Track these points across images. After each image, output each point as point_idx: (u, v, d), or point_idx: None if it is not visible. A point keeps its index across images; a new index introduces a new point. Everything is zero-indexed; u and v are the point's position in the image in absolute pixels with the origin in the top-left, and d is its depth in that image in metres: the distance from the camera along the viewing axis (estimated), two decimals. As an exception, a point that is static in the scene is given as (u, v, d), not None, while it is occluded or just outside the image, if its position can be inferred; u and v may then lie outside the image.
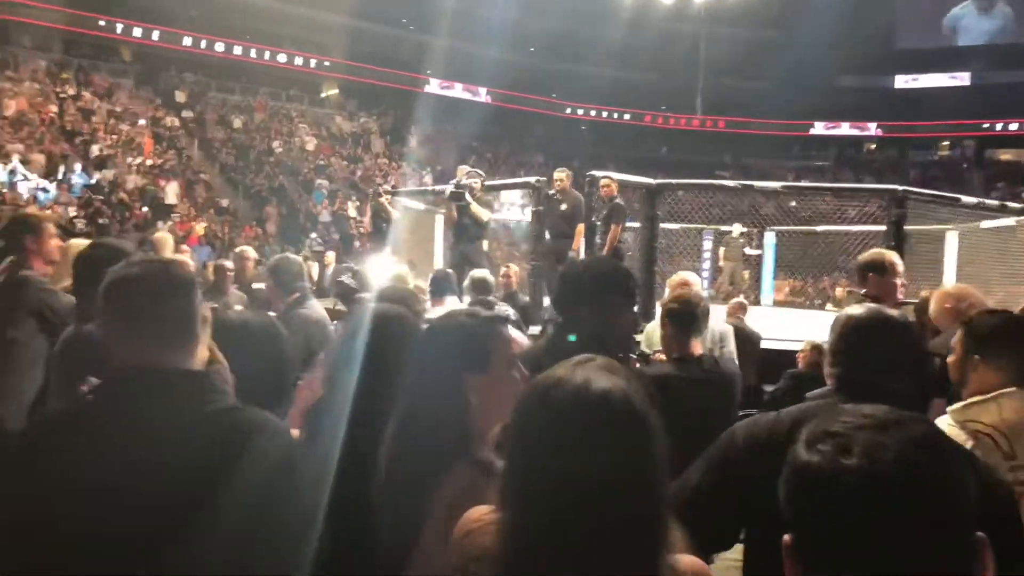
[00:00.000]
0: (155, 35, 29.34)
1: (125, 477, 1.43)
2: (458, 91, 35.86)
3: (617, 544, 1.15)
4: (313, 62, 32.86)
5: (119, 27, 28.62)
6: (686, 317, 3.41)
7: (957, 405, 2.55)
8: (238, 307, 6.54)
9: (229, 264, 7.38)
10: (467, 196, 8.76)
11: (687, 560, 1.32)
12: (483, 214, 8.82)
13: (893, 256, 4.54)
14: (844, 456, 0.94)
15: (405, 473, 1.66)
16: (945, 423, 2.46)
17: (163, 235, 8.29)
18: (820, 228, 14.77)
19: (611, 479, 1.14)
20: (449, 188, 9.11)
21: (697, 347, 3.42)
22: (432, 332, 1.85)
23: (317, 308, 4.46)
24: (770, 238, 15.93)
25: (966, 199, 11.41)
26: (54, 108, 24.16)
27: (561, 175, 9.25)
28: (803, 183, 21.18)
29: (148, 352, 1.60)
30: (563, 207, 9.05)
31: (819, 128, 39.30)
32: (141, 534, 1.41)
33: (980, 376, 2.56)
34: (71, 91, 25.35)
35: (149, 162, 23.79)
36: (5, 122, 22.41)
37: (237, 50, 30.94)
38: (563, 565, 1.15)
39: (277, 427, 1.64)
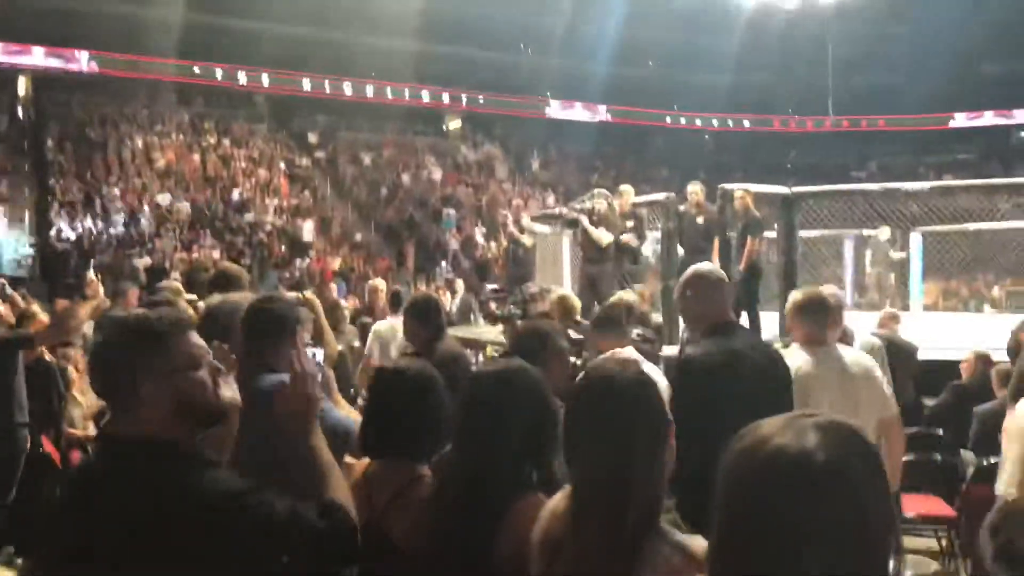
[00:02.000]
0: (285, 81, 30.80)
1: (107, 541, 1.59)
2: (578, 111, 35.91)
3: None
4: (435, 95, 33.65)
5: (250, 77, 30.22)
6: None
7: None
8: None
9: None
10: (583, 219, 8.63)
11: (700, 541, 1.39)
12: (603, 237, 8.54)
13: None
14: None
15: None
16: None
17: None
18: (973, 226, 13.83)
19: (819, 543, 1.01)
20: (571, 211, 9.07)
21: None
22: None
23: (454, 344, 4.55)
24: (916, 239, 15.06)
25: None
26: (197, 158, 25.72)
27: (696, 188, 9.04)
28: (953, 181, 19.95)
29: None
30: (699, 221, 8.81)
31: (960, 120, 37.06)
32: None
33: None
34: (212, 140, 26.92)
35: (286, 203, 24.93)
36: (155, 174, 24.01)
37: (364, 90, 32.08)
38: None
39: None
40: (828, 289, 5.24)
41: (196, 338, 1.78)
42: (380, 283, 8.33)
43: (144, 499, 1.58)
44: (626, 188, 9.33)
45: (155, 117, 27.38)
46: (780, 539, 1.01)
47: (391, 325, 6.55)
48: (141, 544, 1.56)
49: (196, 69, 28.70)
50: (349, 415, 2.90)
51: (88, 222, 20.95)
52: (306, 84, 31.12)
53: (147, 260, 19.74)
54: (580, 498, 1.63)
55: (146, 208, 22.18)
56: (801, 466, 1.02)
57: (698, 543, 1.56)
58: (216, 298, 3.59)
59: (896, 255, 14.56)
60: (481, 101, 34.15)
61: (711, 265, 3.90)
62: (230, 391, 1.97)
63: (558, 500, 1.75)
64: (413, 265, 23.38)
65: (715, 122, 38.15)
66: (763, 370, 3.16)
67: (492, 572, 1.86)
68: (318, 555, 1.66)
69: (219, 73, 29.35)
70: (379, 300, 7.72)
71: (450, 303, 13.82)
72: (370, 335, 6.76)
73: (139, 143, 25.30)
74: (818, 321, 3.77)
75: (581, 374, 1.80)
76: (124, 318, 1.81)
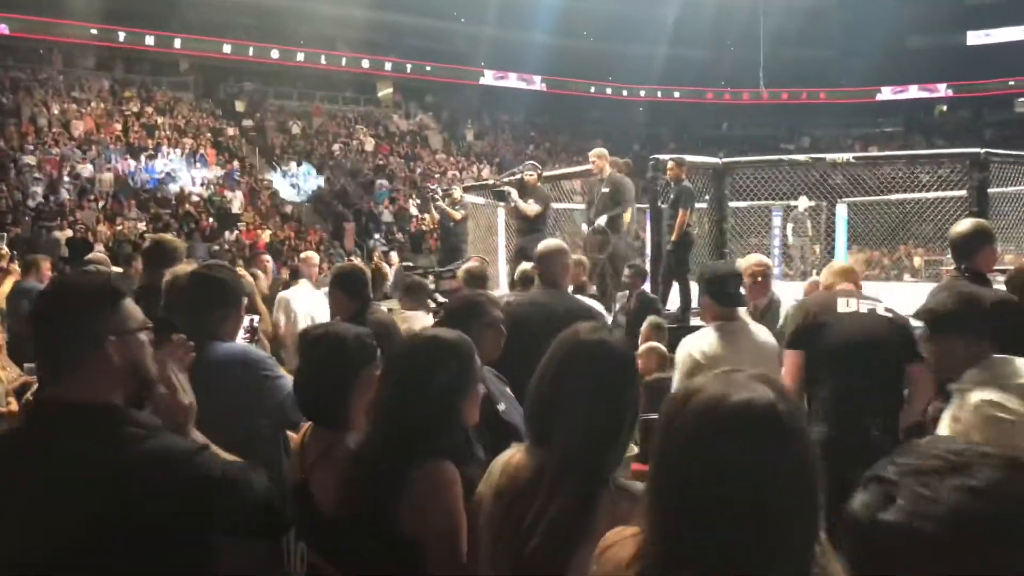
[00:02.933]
0: (210, 47, 29.92)
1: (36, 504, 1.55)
2: (512, 80, 35.69)
3: (759, 552, 1.11)
4: (366, 62, 33.04)
5: (176, 42, 29.24)
6: None
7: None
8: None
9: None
10: (512, 192, 8.61)
11: (642, 487, 1.42)
12: (530, 209, 8.50)
13: (988, 224, 4.28)
14: (883, 511, 0.86)
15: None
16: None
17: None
18: (895, 197, 14.20)
19: (753, 486, 1.11)
20: (499, 183, 9.03)
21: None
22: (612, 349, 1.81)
23: (384, 314, 4.50)
24: (841, 210, 15.38)
25: (1054, 157, 10.81)
26: (119, 126, 24.85)
27: (594, 156, 8.75)
28: (878, 152, 20.45)
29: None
30: (605, 190, 8.54)
31: (886, 93, 38.01)
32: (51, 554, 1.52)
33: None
34: (135, 108, 26.02)
35: (212, 173, 24.29)
36: (75, 143, 23.11)
37: (292, 56, 31.32)
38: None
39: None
40: (755, 258, 5.31)
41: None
42: (313, 255, 8.10)
43: (95, 462, 1.57)
44: (601, 151, 9.06)
45: (72, 83, 26.32)
46: (741, 485, 1.10)
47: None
48: (90, 507, 1.53)
49: (119, 34, 27.63)
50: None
51: (4, 192, 20.07)
52: (230, 49, 30.25)
53: (68, 232, 19.03)
54: (561, 457, 1.67)
55: (66, 178, 21.36)
56: (770, 416, 1.12)
57: (641, 487, 1.63)
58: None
59: (811, 227, 14.90)
60: (408, 69, 33.69)
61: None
62: (189, 395, 1.87)
63: (513, 453, 1.81)
64: (353, 241, 23.00)
65: (647, 93, 38.34)
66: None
67: (395, 535, 1.88)
68: (260, 516, 1.73)
69: (141, 38, 28.31)
70: (312, 272, 7.48)
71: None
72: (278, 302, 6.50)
73: (55, 110, 24.30)
74: (725, 298, 3.73)
75: (567, 334, 1.83)
76: (80, 280, 1.81)
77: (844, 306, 3.60)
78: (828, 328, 3.54)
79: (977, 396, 2.58)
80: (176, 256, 4.23)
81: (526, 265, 5.79)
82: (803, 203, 14.45)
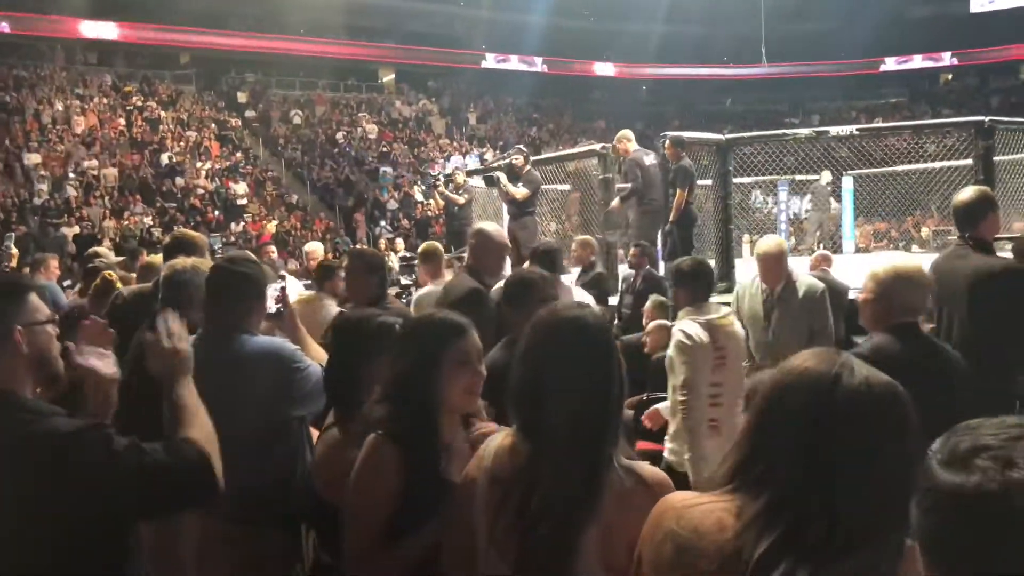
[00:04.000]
0: (211, 38, 29.85)
1: None
2: (514, 63, 35.47)
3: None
4: (368, 50, 32.91)
5: (177, 34, 29.16)
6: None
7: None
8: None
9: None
10: (501, 177, 8.70)
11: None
12: (518, 192, 8.71)
13: (991, 192, 4.28)
14: (1011, 470, 0.84)
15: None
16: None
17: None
18: (901, 168, 14.14)
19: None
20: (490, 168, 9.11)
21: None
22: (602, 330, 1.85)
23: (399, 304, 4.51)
24: (847, 183, 15.33)
25: (1060, 123, 10.74)
26: (122, 121, 24.86)
27: (617, 140, 9.05)
28: (880, 124, 20.32)
29: None
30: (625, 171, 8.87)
31: (890, 64, 37.64)
32: None
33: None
34: (137, 103, 26.02)
35: (217, 165, 24.31)
36: (78, 139, 23.15)
37: (293, 45, 31.23)
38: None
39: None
40: (773, 239, 5.25)
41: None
42: (317, 246, 8.12)
43: (8, 447, 1.62)
44: (624, 133, 9.21)
45: (75, 79, 26.33)
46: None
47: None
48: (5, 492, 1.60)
49: (119, 29, 27.53)
50: (318, 356, 2.90)
51: (10, 191, 20.15)
52: (230, 40, 30.15)
53: (75, 229, 19.12)
54: (558, 438, 1.68)
55: (71, 175, 21.42)
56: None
57: (645, 467, 1.74)
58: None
59: (835, 205, 14.81)
60: (409, 55, 33.50)
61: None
62: (110, 367, 1.93)
63: (502, 439, 1.80)
64: (365, 231, 22.98)
65: (650, 71, 38.09)
66: None
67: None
68: (162, 486, 1.72)
69: (141, 32, 28.23)
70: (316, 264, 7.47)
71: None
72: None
73: (59, 107, 24.33)
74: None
75: (543, 314, 1.84)
76: None
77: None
78: None
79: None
80: (198, 252, 4.21)
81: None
82: (825, 177, 14.32)
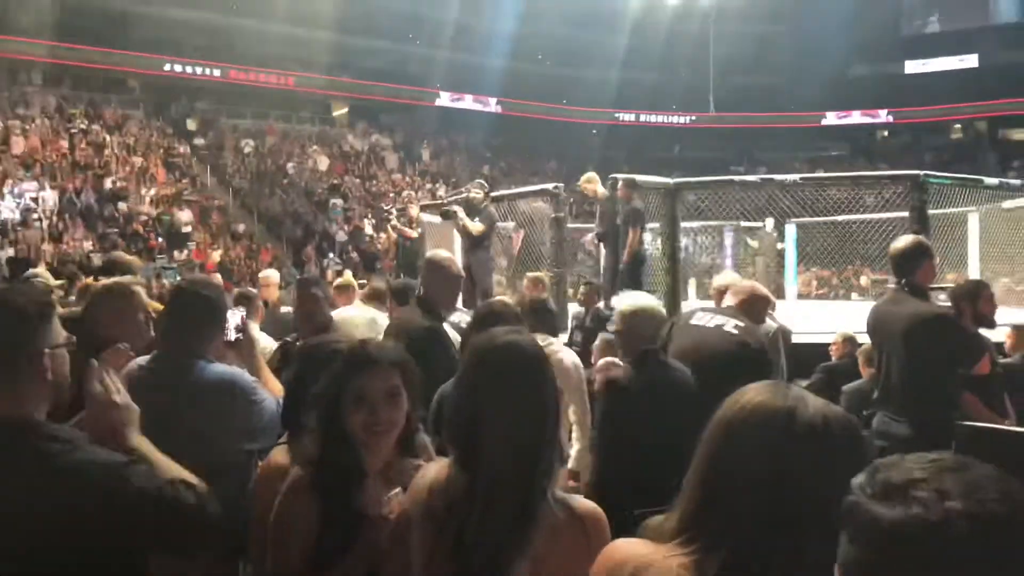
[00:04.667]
0: (164, 66, 29.60)
1: None
2: (468, 102, 35.86)
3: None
4: (322, 82, 32.95)
5: (126, 59, 28.85)
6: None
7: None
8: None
9: (253, 291, 7.14)
10: (459, 210, 8.73)
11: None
12: (474, 227, 8.62)
13: (927, 240, 4.45)
14: (949, 500, 0.86)
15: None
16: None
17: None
18: (842, 218, 14.58)
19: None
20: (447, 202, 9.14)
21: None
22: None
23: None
24: (791, 231, 15.75)
25: (988, 180, 11.24)
26: (65, 143, 24.36)
27: (583, 182, 9.31)
28: (824, 174, 20.95)
29: None
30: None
31: (831, 118, 39.06)
32: None
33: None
34: (82, 126, 25.55)
35: (162, 192, 23.92)
36: (17, 160, 22.59)
37: (245, 75, 31.11)
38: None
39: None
40: (727, 278, 5.34)
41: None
42: (273, 274, 7.89)
43: (29, 477, 1.54)
44: (591, 175, 9.36)
45: (16, 100, 25.77)
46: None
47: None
48: (24, 523, 1.51)
49: (67, 51, 27.12)
50: (273, 387, 2.84)
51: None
52: (181, 68, 29.95)
53: (10, 251, 18.59)
54: (493, 467, 1.62)
55: (8, 197, 20.86)
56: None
57: (579, 500, 1.70)
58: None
59: (780, 245, 15.25)
60: (363, 90, 33.62)
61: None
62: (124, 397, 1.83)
63: (437, 470, 1.74)
64: (315, 264, 22.77)
65: (602, 116, 38.79)
66: None
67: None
68: (183, 526, 1.66)
69: (89, 55, 27.84)
70: (271, 294, 7.28)
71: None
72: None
73: (-1, 127, 23.76)
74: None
75: (479, 340, 1.80)
76: (19, 294, 1.73)
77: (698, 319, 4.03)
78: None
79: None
80: (132, 275, 4.15)
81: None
82: (769, 224, 14.76)
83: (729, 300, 4.22)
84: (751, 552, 1.17)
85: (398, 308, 5.29)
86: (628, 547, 1.35)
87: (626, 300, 3.65)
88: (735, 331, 3.84)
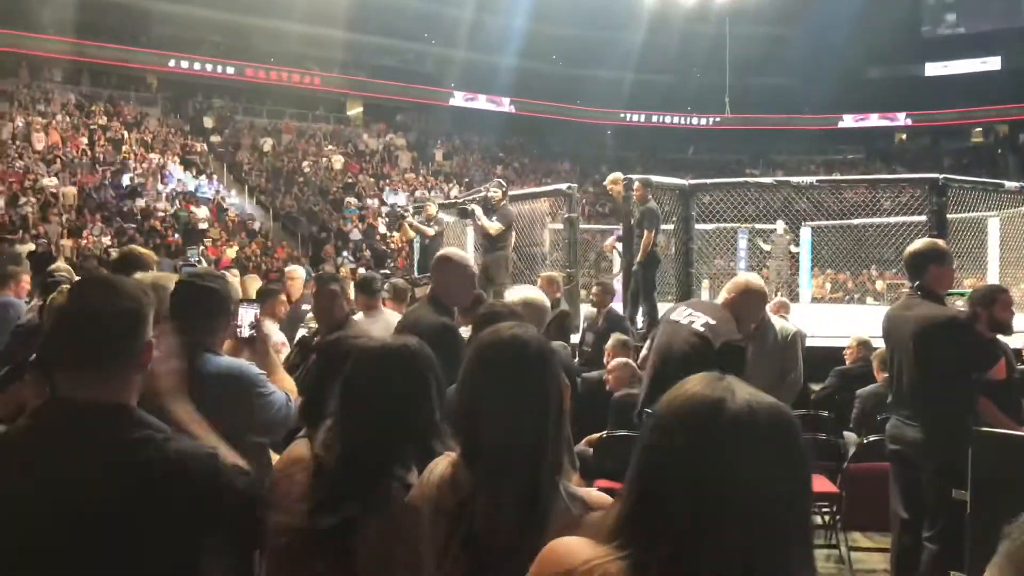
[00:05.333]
0: (182, 63, 29.81)
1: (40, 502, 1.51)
2: (482, 102, 35.86)
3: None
4: (337, 81, 33.05)
5: (145, 57, 29.08)
6: None
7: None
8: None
9: (277, 287, 7.08)
10: (476, 209, 8.73)
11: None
12: (492, 227, 8.62)
13: (944, 245, 4.43)
14: None
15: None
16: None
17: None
18: (857, 221, 14.50)
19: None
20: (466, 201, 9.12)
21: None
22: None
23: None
24: (806, 234, 15.68)
25: (1009, 184, 11.15)
26: (84, 140, 24.57)
27: (609, 182, 9.31)
28: (840, 176, 20.83)
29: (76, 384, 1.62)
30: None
31: (848, 121, 38.76)
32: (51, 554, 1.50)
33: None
34: (101, 122, 25.75)
35: (179, 188, 24.07)
36: (37, 156, 22.81)
37: (262, 73, 31.29)
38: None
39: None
40: (756, 276, 5.32)
41: None
42: (298, 269, 7.82)
43: (111, 460, 1.56)
44: (616, 176, 9.32)
45: (37, 96, 26.01)
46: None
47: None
48: (103, 506, 1.52)
49: (87, 48, 27.36)
50: (287, 384, 2.85)
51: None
52: (200, 66, 30.15)
53: (30, 246, 18.73)
54: (494, 461, 1.63)
55: (29, 191, 21.05)
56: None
57: (593, 493, 1.69)
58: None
59: (794, 249, 15.16)
60: (378, 89, 33.69)
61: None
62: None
63: (444, 467, 1.74)
64: (334, 263, 22.80)
65: (617, 116, 38.69)
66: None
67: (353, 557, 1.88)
68: (251, 525, 1.73)
69: (109, 52, 28.08)
70: (295, 288, 7.25)
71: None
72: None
73: (19, 123, 23.98)
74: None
75: (482, 336, 1.80)
76: (126, 281, 1.78)
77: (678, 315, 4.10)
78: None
79: None
80: (148, 268, 4.15)
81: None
82: (781, 226, 14.67)
83: (722, 295, 4.22)
84: (688, 551, 1.11)
85: (363, 299, 5.29)
86: (566, 547, 1.27)
87: (516, 293, 3.81)
88: (702, 328, 3.84)
